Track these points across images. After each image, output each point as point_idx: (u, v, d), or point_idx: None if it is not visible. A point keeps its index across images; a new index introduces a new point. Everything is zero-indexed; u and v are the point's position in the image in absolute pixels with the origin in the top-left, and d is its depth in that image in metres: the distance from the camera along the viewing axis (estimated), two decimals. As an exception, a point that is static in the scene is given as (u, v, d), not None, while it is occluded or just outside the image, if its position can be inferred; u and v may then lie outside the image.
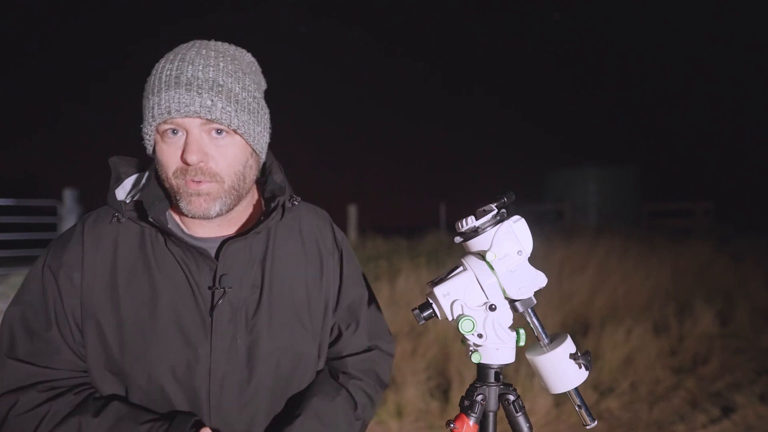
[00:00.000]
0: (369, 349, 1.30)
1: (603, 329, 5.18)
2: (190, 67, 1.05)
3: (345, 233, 1.42)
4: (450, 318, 1.08)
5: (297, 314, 1.19)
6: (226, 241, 1.13)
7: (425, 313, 1.10)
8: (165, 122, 1.04)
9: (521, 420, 1.13)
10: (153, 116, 1.05)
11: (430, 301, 1.10)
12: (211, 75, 1.05)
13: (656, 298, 6.47)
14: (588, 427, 1.13)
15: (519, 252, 1.08)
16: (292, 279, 1.20)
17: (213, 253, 1.14)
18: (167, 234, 1.11)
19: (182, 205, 1.08)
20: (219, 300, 1.11)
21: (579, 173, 16.40)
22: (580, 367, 1.09)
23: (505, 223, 1.08)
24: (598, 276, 6.81)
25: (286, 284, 1.19)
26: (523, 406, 1.14)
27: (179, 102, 1.02)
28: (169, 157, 1.06)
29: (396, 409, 3.91)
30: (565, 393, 1.11)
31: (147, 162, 1.22)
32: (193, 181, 1.05)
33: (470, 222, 1.09)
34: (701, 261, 8.15)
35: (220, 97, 1.05)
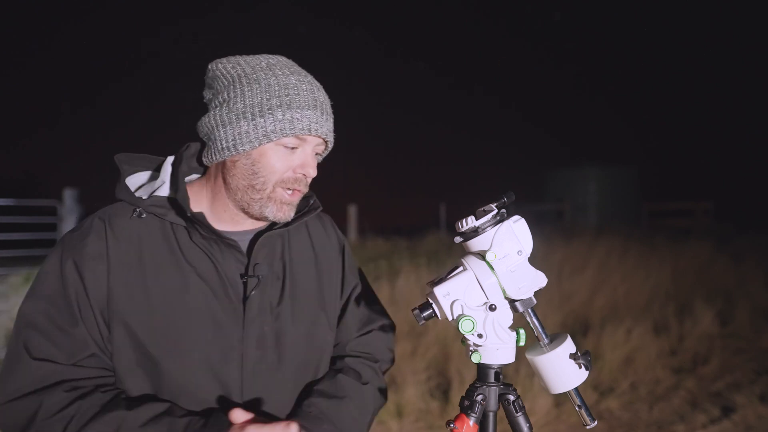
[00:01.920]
0: (367, 333, 1.35)
1: (603, 329, 5.18)
2: (319, 91, 1.15)
3: (345, 233, 1.47)
4: (450, 318, 1.08)
5: (314, 305, 1.25)
6: (258, 235, 1.19)
7: (425, 313, 1.10)
8: (297, 137, 1.11)
9: (521, 420, 1.13)
10: (292, 128, 1.10)
11: (430, 301, 1.10)
12: (328, 104, 1.17)
13: (656, 298, 6.47)
14: (588, 427, 1.13)
15: (519, 252, 1.08)
16: (307, 273, 1.26)
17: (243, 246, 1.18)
18: (198, 227, 1.12)
19: (269, 209, 1.15)
20: (253, 290, 1.15)
21: (579, 173, 16.39)
22: (580, 367, 1.09)
23: (505, 223, 1.08)
24: (598, 276, 6.80)
25: (302, 277, 1.25)
26: (523, 406, 1.14)
27: (317, 122, 1.12)
28: (283, 164, 1.13)
29: (396, 409, 3.90)
30: (565, 393, 1.11)
31: (152, 161, 1.24)
32: (296, 190, 1.15)
33: (470, 222, 1.09)
34: (701, 261, 8.15)
35: (332, 126, 1.18)
